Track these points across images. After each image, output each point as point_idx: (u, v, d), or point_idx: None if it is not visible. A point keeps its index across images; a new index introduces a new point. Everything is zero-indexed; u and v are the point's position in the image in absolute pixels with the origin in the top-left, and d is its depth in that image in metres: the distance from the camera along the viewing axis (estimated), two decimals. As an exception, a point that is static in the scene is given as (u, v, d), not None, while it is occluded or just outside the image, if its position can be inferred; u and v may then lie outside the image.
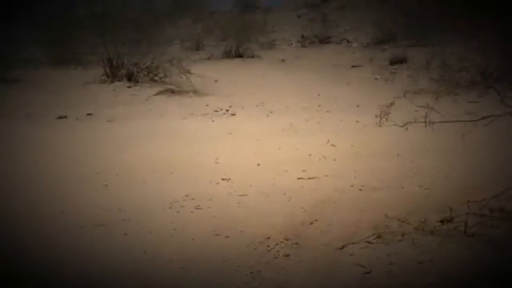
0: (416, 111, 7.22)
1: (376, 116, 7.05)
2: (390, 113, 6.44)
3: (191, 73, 15.37)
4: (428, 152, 7.99)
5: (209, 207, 6.21)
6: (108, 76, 15.63)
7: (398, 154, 8.05)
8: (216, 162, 7.98)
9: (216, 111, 12.13)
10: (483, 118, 8.45)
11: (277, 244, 5.12)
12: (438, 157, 7.75)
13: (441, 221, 5.23)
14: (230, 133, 9.79)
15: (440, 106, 7.12)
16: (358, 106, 12.28)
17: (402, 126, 6.56)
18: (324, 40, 27.20)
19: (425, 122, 6.25)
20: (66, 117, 11.33)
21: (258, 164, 7.85)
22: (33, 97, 13.69)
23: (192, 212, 6.11)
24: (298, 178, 7.15)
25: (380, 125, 6.83)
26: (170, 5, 31.65)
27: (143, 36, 16.16)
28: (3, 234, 5.55)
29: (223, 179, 7.21)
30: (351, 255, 4.79)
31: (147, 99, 13.79)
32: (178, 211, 6.12)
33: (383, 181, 6.87)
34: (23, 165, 7.96)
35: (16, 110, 11.99)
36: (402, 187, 6.62)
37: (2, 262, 4.93)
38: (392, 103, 6.31)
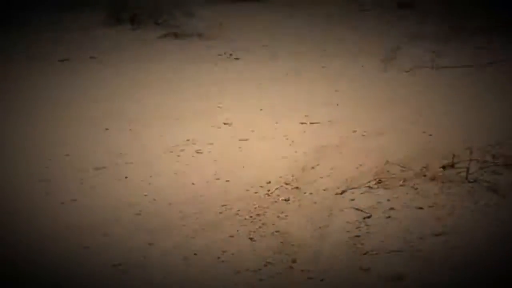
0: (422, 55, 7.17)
1: (381, 61, 6.97)
2: (395, 57, 6.34)
3: (196, 16, 15.18)
4: (434, 97, 7.88)
5: (210, 151, 6.19)
6: (110, 18, 15.42)
7: (402, 99, 7.95)
8: (219, 107, 7.91)
9: (219, 55, 11.97)
10: (491, 63, 8.39)
11: (277, 188, 5.12)
12: (443, 102, 7.65)
13: (443, 167, 5.21)
14: (233, 78, 9.68)
15: (448, 51, 7.03)
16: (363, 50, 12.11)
17: (408, 71, 6.48)
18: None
19: (432, 67, 6.18)
20: (68, 59, 11.21)
21: (261, 109, 7.77)
22: (34, 40, 13.55)
23: (193, 156, 6.09)
24: (301, 123, 7.09)
25: (385, 70, 6.76)
26: None
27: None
28: (4, 175, 5.56)
29: (224, 123, 7.15)
30: (351, 200, 4.79)
31: (150, 43, 13.63)
32: (179, 155, 6.10)
33: (386, 126, 6.79)
34: (26, 107, 7.91)
35: (17, 52, 11.87)
36: (405, 133, 6.54)
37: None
38: (397, 48, 6.23)
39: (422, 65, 7.30)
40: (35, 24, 14.33)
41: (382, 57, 9.32)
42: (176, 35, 13.97)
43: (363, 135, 6.58)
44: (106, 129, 7.00)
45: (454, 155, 5.25)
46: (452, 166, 5.16)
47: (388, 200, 4.69)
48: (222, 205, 4.82)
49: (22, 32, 13.59)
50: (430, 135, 6.42)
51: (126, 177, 5.52)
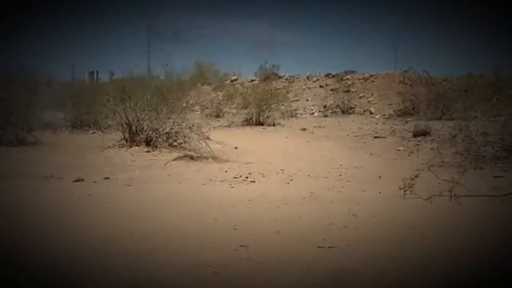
0: (440, 184, 7.03)
1: (400, 188, 6.85)
2: (414, 184, 6.19)
3: (210, 140, 15.34)
4: (453, 229, 7.66)
5: (226, 274, 5.94)
6: (126, 141, 15.59)
7: (421, 230, 7.74)
8: (235, 229, 7.73)
9: (235, 177, 11.96)
10: (511, 193, 8.17)
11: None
12: (463, 234, 7.42)
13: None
14: (249, 200, 9.57)
15: (466, 180, 6.90)
16: (380, 177, 12.08)
17: (427, 199, 6.32)
18: (346, 111, 27.28)
19: (450, 196, 6.01)
20: (83, 180, 11.17)
21: (277, 232, 7.59)
22: (51, 160, 13.64)
23: (209, 278, 5.85)
24: (318, 247, 6.87)
25: (404, 198, 6.59)
26: (193, 72, 32.18)
27: (164, 102, 16.18)
28: None
29: (241, 245, 6.94)
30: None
31: (165, 164, 13.69)
32: (195, 277, 5.86)
33: (404, 254, 6.56)
34: (40, 226, 7.74)
35: (34, 172, 11.91)
36: (421, 261, 6.31)
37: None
38: (416, 176, 6.10)
39: (441, 194, 7.14)
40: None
41: (399, 184, 9.23)
42: (191, 157, 14.05)
43: (380, 260, 6.34)
44: (120, 251, 6.79)
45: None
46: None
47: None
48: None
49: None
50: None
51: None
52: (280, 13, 79.33)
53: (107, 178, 11.65)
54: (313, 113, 27.61)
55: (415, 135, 19.36)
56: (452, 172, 9.08)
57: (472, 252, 6.69)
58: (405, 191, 8.29)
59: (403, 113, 25.57)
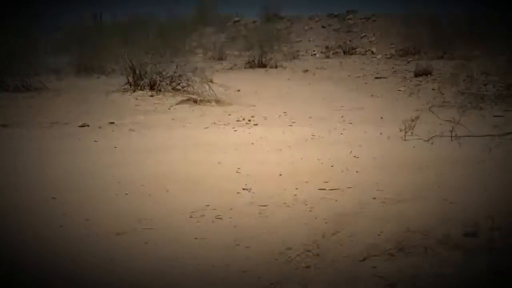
0: (441, 124, 7.14)
1: (401, 130, 6.96)
2: (414, 126, 6.30)
3: (213, 83, 15.43)
4: (453, 166, 7.88)
5: (230, 217, 6.15)
6: (130, 85, 15.68)
7: (421, 167, 7.95)
8: (238, 172, 7.93)
9: (238, 120, 12.12)
10: (510, 133, 8.32)
11: (298, 255, 5.04)
12: (464, 171, 7.64)
13: (465, 235, 5.14)
14: (252, 143, 9.75)
15: (466, 120, 7.00)
16: (381, 118, 12.21)
17: (427, 140, 6.45)
18: (348, 51, 27.17)
19: (451, 136, 6.13)
20: (88, 125, 11.35)
21: (280, 175, 7.80)
22: (56, 105, 13.78)
23: (213, 221, 6.05)
24: (320, 189, 7.08)
25: (404, 139, 6.72)
26: (195, 14, 31.93)
27: (166, 45, 16.21)
28: (29, 239, 5.53)
29: (244, 189, 7.14)
30: (373, 267, 4.71)
31: (169, 108, 13.83)
32: (198, 221, 6.06)
33: (406, 193, 6.76)
34: (48, 173, 7.95)
35: (40, 119, 12.06)
36: (426, 200, 6.51)
37: (26, 267, 4.90)
38: (417, 117, 6.20)
39: (442, 134, 7.27)
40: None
41: (400, 125, 9.37)
42: (195, 101, 14.17)
43: (383, 202, 6.54)
44: (126, 194, 7.01)
45: (476, 223, 5.19)
46: (474, 235, 5.10)
47: (411, 268, 4.61)
48: (243, 271, 4.76)
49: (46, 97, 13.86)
50: (451, 203, 6.36)
51: (146, 243, 5.48)
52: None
53: (112, 123, 11.81)
54: (315, 54, 27.51)
55: (417, 75, 19.38)
56: (453, 112, 9.22)
57: (471, 189, 6.91)
58: (405, 132, 8.42)
59: (405, 53, 25.47)
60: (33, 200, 6.70)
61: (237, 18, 32.68)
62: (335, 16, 31.28)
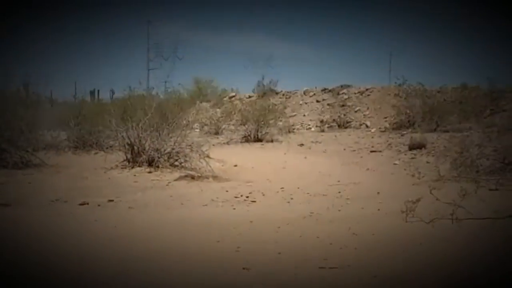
0: (438, 200, 7.22)
1: (402, 212, 7.00)
2: (415, 208, 6.36)
3: (210, 158, 15.58)
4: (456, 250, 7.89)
5: (231, 297, 6.17)
6: (129, 161, 15.83)
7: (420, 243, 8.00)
8: (237, 251, 7.96)
9: (236, 197, 12.20)
10: (510, 216, 8.38)
11: None
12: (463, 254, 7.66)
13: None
14: (251, 221, 9.80)
15: (466, 202, 7.03)
16: (378, 193, 12.32)
17: (428, 223, 6.49)
18: (343, 125, 27.53)
19: (452, 219, 6.18)
20: (88, 203, 11.41)
21: (279, 253, 7.82)
22: (56, 182, 13.86)
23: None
24: (320, 268, 7.10)
25: (406, 221, 6.75)
26: (192, 89, 32.38)
27: (164, 122, 16.43)
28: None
29: (243, 268, 7.16)
30: None
31: (167, 185, 13.92)
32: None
33: (406, 273, 6.78)
34: (45, 253, 7.96)
35: (41, 197, 12.11)
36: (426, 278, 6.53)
37: None
38: (418, 199, 6.28)
39: (443, 217, 7.35)
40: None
41: (398, 201, 9.48)
42: (193, 177, 14.28)
43: (381, 281, 6.56)
44: (126, 271, 7.02)
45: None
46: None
47: None
48: None
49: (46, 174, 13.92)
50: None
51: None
52: (277, 28, 79.75)
53: (111, 200, 11.88)
54: (310, 128, 27.86)
55: (411, 148, 19.60)
56: (450, 188, 9.32)
57: (473, 273, 6.92)
58: (407, 214, 8.46)
59: (399, 126, 25.82)
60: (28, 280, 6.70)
61: (233, 94, 33.16)
62: (330, 90, 31.77)
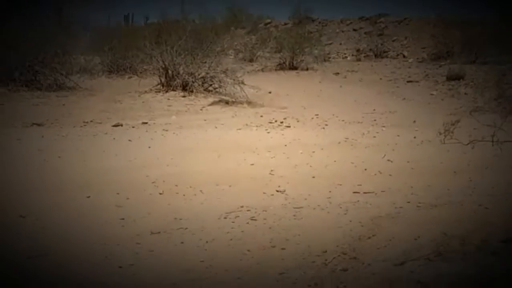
0: (475, 129, 7.06)
1: (440, 133, 6.85)
2: (454, 129, 6.20)
3: (245, 84, 15.45)
4: (488, 171, 7.79)
5: (265, 219, 6.13)
6: (163, 86, 15.77)
7: (455, 172, 7.89)
8: (271, 174, 7.93)
9: (270, 122, 12.11)
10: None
11: (334, 257, 5.00)
12: (500, 176, 7.54)
13: (504, 241, 5.08)
14: (285, 145, 9.74)
15: (507, 125, 6.87)
16: (414, 121, 12.16)
17: (467, 144, 6.34)
18: (379, 54, 27.11)
19: (492, 141, 6.00)
20: (122, 125, 11.42)
21: (313, 177, 7.78)
22: (90, 105, 13.89)
23: (247, 223, 6.03)
24: (354, 192, 7.04)
25: (443, 142, 6.62)
26: (227, 15, 32.03)
27: (199, 46, 16.28)
28: (63, 237, 5.57)
29: (277, 190, 7.13)
30: (411, 271, 4.66)
31: (201, 109, 13.87)
32: (233, 222, 6.06)
33: (441, 198, 6.70)
34: (84, 171, 8.03)
35: (74, 118, 12.16)
36: (461, 205, 6.44)
37: (61, 265, 4.94)
38: (457, 121, 6.10)
39: (483, 139, 7.14)
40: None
41: (434, 128, 9.31)
42: (227, 102, 14.20)
43: (418, 206, 6.48)
44: (160, 193, 7.04)
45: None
46: (512, 241, 5.03)
47: (450, 274, 4.56)
48: (280, 273, 4.74)
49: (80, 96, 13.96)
50: (487, 208, 6.28)
51: (182, 243, 5.49)
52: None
53: (145, 123, 11.87)
54: (346, 57, 27.49)
55: (449, 79, 19.24)
56: (488, 117, 9.14)
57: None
58: (445, 136, 8.31)
59: (437, 57, 25.33)
60: (68, 199, 6.74)
61: (268, 20, 32.75)
62: (367, 19, 31.22)
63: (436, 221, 5.88)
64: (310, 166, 8.38)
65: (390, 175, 7.91)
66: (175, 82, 15.49)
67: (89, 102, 14.40)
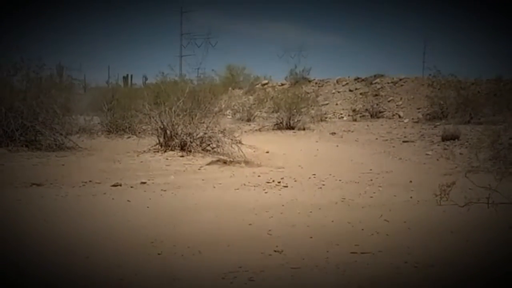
0: (471, 189, 7.14)
1: (436, 195, 6.94)
2: (450, 191, 6.30)
3: (242, 144, 15.60)
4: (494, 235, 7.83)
5: (263, 279, 6.17)
6: (161, 145, 15.92)
7: (452, 232, 7.95)
8: (269, 234, 7.98)
9: (268, 182, 12.20)
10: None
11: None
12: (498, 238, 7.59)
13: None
14: (282, 205, 9.81)
15: (501, 187, 6.94)
16: (410, 181, 12.25)
17: (463, 206, 6.43)
18: (375, 115, 27.40)
19: (488, 203, 6.10)
20: (120, 185, 11.49)
21: (311, 237, 7.82)
22: (89, 164, 13.99)
23: (245, 283, 6.06)
24: (351, 253, 7.08)
25: (439, 204, 6.69)
26: (224, 76, 32.45)
27: (197, 107, 16.49)
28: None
29: (275, 251, 7.17)
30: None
31: (199, 169, 13.96)
32: (231, 282, 6.09)
33: (437, 258, 6.74)
34: (81, 231, 8.05)
35: (73, 178, 12.23)
36: (457, 266, 6.48)
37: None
38: (453, 183, 6.22)
39: (477, 201, 7.22)
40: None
41: (430, 189, 9.44)
42: (224, 162, 14.32)
43: (415, 267, 6.53)
44: (159, 254, 7.08)
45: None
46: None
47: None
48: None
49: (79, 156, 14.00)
50: (484, 268, 6.33)
51: (181, 303, 5.52)
52: (310, 17, 79.69)
53: (144, 182, 11.95)
54: (342, 117, 27.78)
55: (444, 139, 19.44)
56: (483, 178, 9.23)
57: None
58: (441, 197, 8.38)
59: (432, 117, 25.64)
60: (66, 260, 6.77)
61: (265, 81, 33.14)
62: (363, 80, 31.62)
63: (433, 282, 5.92)
64: (308, 226, 8.43)
65: (387, 235, 7.95)
66: (174, 142, 15.66)
67: (88, 162, 14.51)
